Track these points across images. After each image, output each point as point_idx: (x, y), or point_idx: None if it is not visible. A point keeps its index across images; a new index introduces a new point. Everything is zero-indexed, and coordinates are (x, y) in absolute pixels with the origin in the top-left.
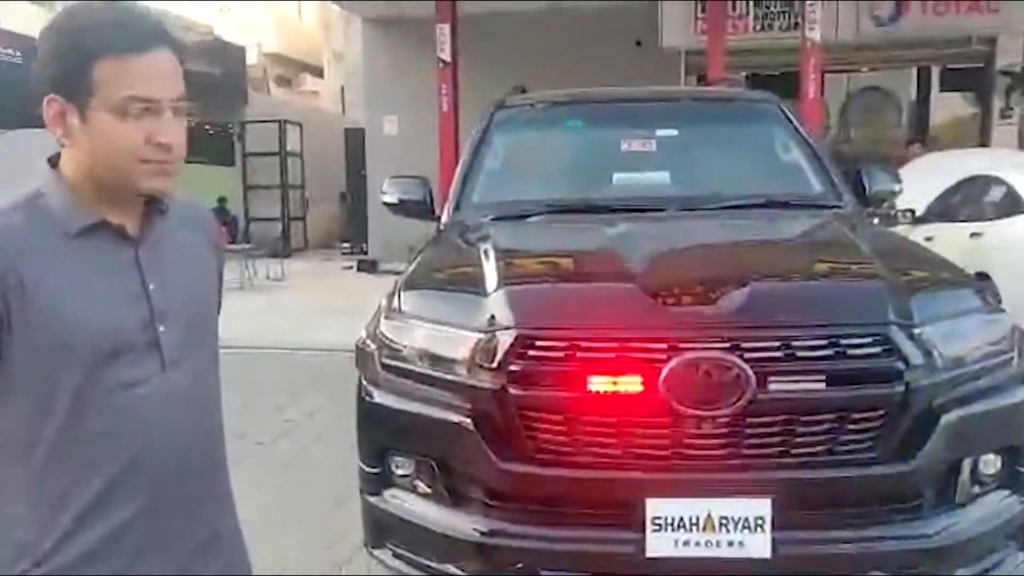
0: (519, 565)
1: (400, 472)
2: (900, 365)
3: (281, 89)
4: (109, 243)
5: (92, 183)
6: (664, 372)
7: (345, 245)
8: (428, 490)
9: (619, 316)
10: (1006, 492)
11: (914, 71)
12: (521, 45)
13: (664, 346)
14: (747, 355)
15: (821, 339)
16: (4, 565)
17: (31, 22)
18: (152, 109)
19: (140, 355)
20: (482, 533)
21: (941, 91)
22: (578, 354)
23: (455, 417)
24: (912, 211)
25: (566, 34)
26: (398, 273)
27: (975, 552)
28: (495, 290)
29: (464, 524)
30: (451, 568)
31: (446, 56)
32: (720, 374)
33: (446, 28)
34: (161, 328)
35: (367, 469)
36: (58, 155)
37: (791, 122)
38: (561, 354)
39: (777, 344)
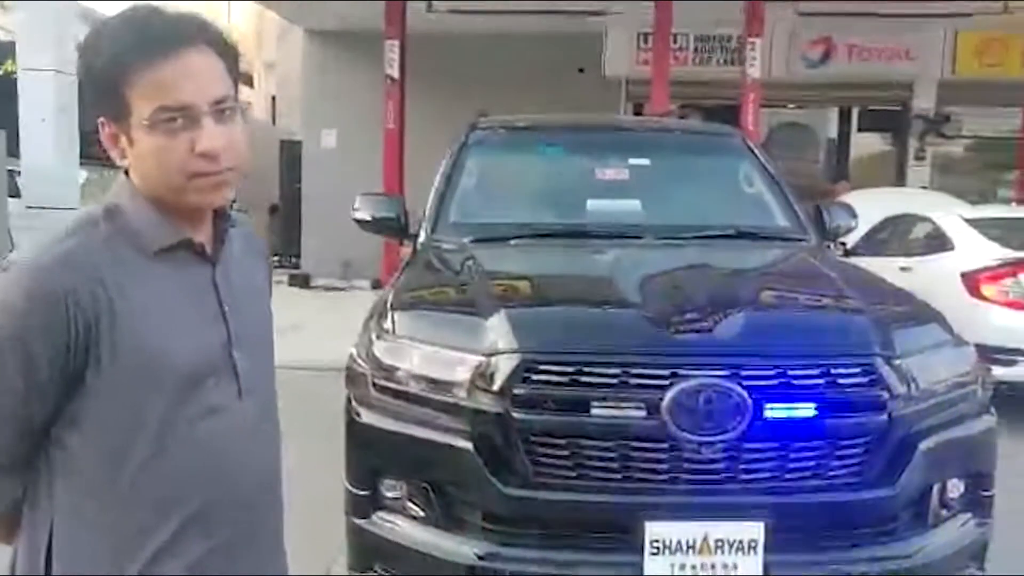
0: None
1: (391, 495)
2: (885, 395)
3: None
4: (189, 262)
5: (155, 202)
6: (667, 398)
7: (274, 258)
8: (421, 513)
9: (622, 341)
10: (968, 515)
11: (836, 111)
12: (467, 66)
13: (667, 372)
14: (745, 382)
15: (814, 369)
16: None
17: None
18: (189, 117)
19: (219, 381)
20: (479, 556)
21: (859, 131)
22: (582, 379)
23: (454, 440)
24: (844, 243)
25: (512, 58)
26: (333, 289)
27: (944, 571)
28: (494, 313)
29: (460, 547)
30: None
31: (394, 73)
32: (720, 401)
33: (395, 44)
34: (236, 353)
35: (355, 491)
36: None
37: (756, 156)
38: (565, 379)
39: (774, 372)
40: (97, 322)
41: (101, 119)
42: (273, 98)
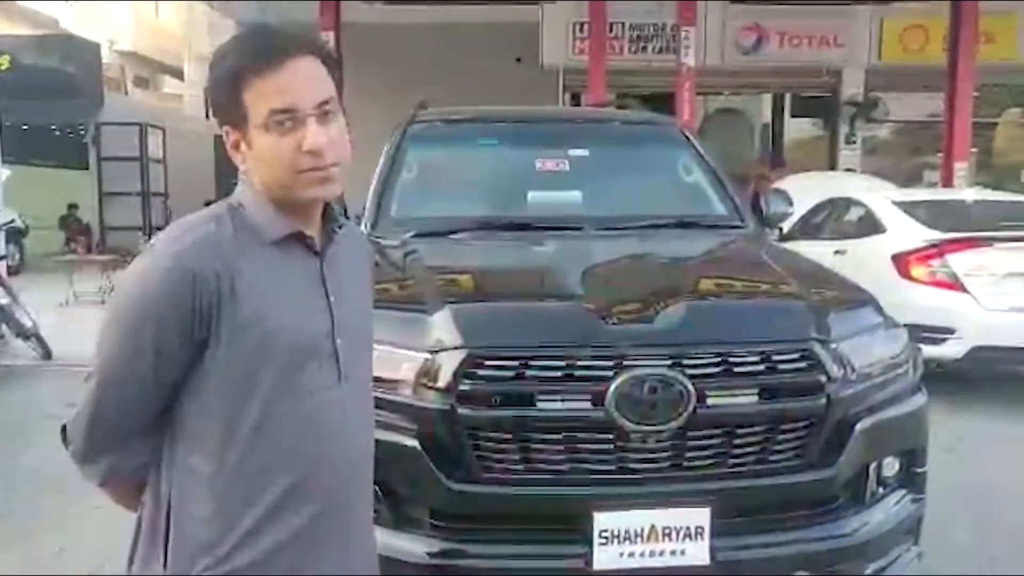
0: None
1: None
2: (823, 379)
3: (140, 91)
4: (301, 254)
5: (271, 200)
6: (611, 389)
7: None
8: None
9: (566, 334)
10: (903, 492)
11: (769, 97)
12: (403, 56)
13: (611, 363)
14: (688, 371)
15: (755, 355)
16: (184, 561)
17: None
18: (296, 119)
19: (322, 364)
20: (430, 554)
21: (792, 116)
22: (527, 372)
23: (401, 438)
24: (780, 228)
25: (450, 47)
26: None
27: (882, 548)
28: (439, 309)
29: (410, 546)
30: None
31: None
32: (664, 390)
33: (330, 35)
34: (339, 340)
35: None
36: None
37: (693, 145)
38: (510, 373)
39: (716, 360)
40: (219, 299)
41: (226, 127)
42: (206, 92)
